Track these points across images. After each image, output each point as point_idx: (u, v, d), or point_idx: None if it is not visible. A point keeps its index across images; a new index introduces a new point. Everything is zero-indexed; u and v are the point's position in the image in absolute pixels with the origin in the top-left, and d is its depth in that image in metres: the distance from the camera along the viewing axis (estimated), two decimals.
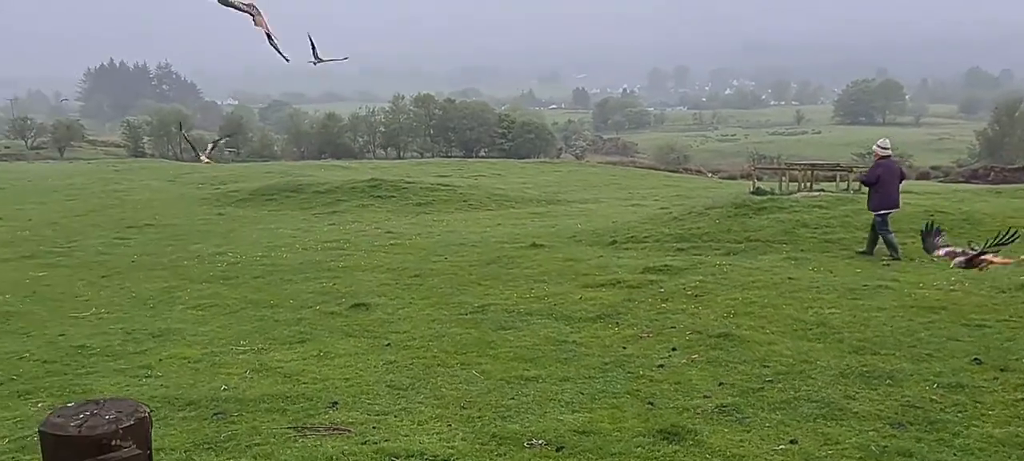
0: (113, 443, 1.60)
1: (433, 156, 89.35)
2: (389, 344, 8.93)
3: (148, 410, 1.77)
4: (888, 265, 12.63)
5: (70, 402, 7.14)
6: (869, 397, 6.80)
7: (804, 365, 7.68)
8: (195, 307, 11.21)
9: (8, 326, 10.30)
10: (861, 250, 13.65)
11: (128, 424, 1.63)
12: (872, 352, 8.02)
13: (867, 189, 13.95)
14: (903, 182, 13.94)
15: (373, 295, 11.49)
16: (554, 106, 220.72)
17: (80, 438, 1.59)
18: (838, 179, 27.25)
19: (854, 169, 29.42)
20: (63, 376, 8.05)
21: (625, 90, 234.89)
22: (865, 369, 7.49)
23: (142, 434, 1.65)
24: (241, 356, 8.59)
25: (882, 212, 13.38)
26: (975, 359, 7.65)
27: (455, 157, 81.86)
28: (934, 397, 6.73)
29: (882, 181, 13.48)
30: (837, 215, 15.63)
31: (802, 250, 13.89)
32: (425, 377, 7.68)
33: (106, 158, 76.28)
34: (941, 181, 46.09)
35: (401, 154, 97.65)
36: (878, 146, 14.13)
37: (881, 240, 13.52)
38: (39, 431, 1.70)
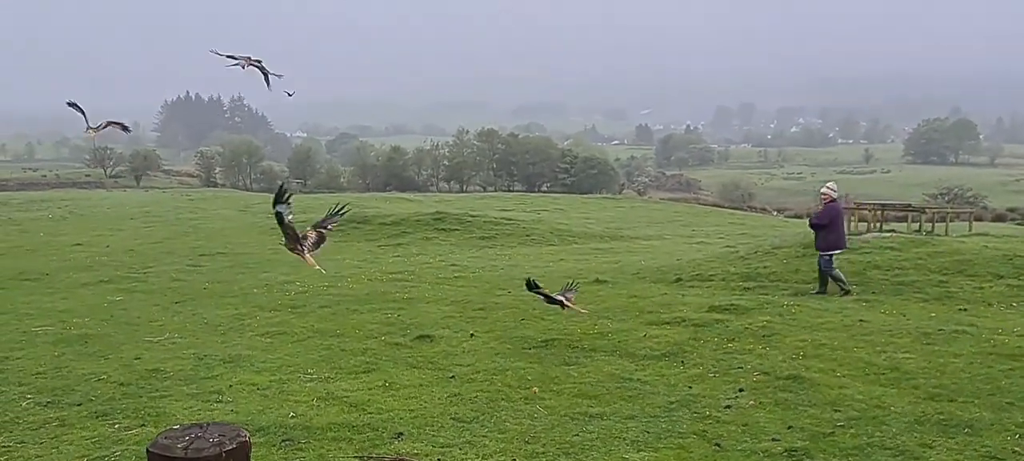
0: None
1: (496, 190, 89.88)
2: (453, 376, 8.97)
3: (248, 435, 1.83)
4: (966, 310, 12.23)
5: (145, 424, 7.36)
6: (946, 446, 6.58)
7: (877, 410, 7.48)
8: (264, 334, 11.43)
9: (87, 348, 10.64)
10: (817, 290, 13.88)
11: (231, 447, 1.69)
12: (949, 399, 7.77)
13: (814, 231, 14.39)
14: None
15: (437, 327, 11.57)
16: (617, 142, 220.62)
17: (186, 460, 1.66)
18: (909, 220, 26.58)
19: (926, 210, 28.66)
20: (138, 398, 8.27)
21: (689, 127, 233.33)
22: (942, 417, 7.25)
23: (243, 457, 1.71)
24: (308, 384, 8.72)
25: (831, 253, 13.86)
26: None
27: (517, 191, 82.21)
28: (1016, 448, 6.48)
29: (832, 223, 13.96)
30: (909, 257, 15.23)
31: (873, 292, 13.56)
32: (489, 411, 7.69)
33: (180, 187, 78.64)
34: (1019, 224, 44.55)
35: (464, 187, 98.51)
36: (826, 189, 14.59)
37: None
38: (147, 451, 1.78)
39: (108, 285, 16.14)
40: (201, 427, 1.85)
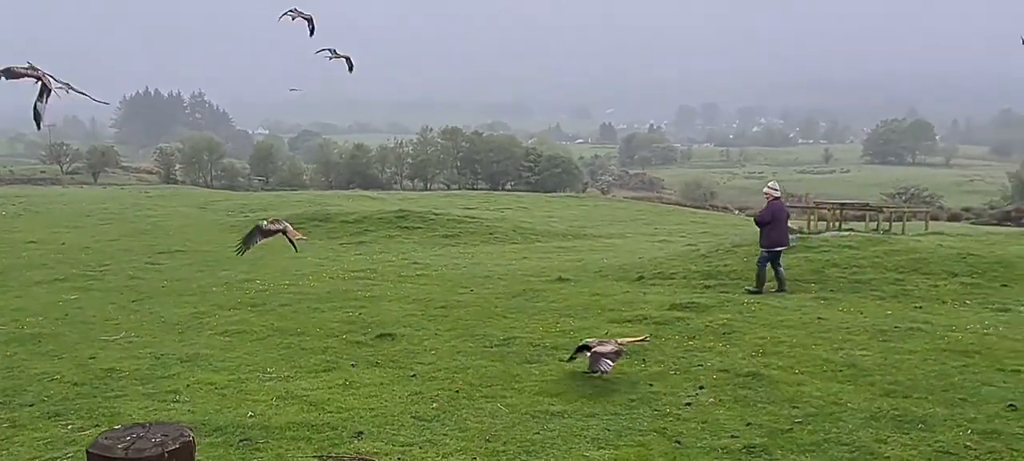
0: None
1: (460, 188, 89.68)
2: (414, 375, 8.93)
3: (192, 434, 1.79)
4: (921, 307, 12.45)
5: (99, 425, 7.22)
6: (901, 442, 6.69)
7: (834, 407, 7.58)
8: (223, 333, 11.29)
9: (40, 348, 10.43)
10: (776, 289, 14.04)
11: (173, 447, 1.65)
12: (904, 395, 7.90)
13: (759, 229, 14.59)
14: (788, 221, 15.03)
15: (399, 325, 11.51)
16: (581, 141, 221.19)
17: (127, 460, 1.61)
18: (867, 219, 27.02)
19: (884, 209, 29.17)
20: (92, 399, 8.12)
21: (652, 126, 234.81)
22: (897, 413, 7.37)
23: (186, 457, 1.67)
24: (267, 383, 8.63)
25: (775, 249, 14.11)
26: (1010, 405, 7.51)
27: (481, 190, 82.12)
28: (969, 443, 6.61)
29: (774, 221, 14.20)
30: (867, 255, 15.48)
31: (831, 290, 13.76)
32: (450, 409, 7.67)
33: (139, 184, 77.39)
34: (973, 223, 45.53)
35: (428, 186, 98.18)
36: (769, 188, 14.90)
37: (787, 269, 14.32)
38: (87, 452, 1.73)
39: (63, 283, 15.83)
40: (144, 427, 1.80)
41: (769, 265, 14.18)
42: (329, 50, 8.45)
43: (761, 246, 14.35)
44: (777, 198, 14.56)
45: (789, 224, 24.79)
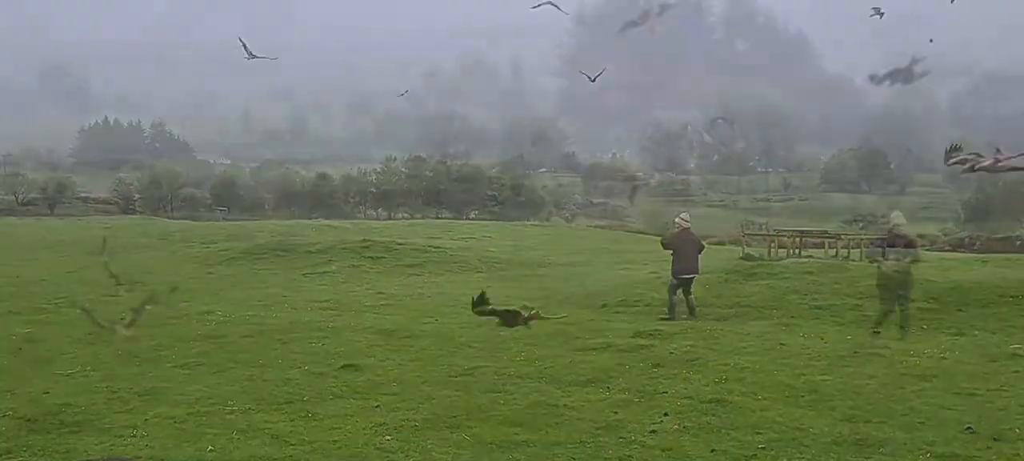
0: None
1: (424, 217, 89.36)
2: (378, 406, 8.84)
3: None
4: (879, 333, 12.63)
5: None
6: None
7: (796, 433, 7.64)
8: (182, 366, 11.08)
9: None
10: (685, 315, 14.40)
11: None
12: (864, 420, 7.99)
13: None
14: (702, 252, 15.13)
15: (363, 356, 11.40)
16: (544, 169, 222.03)
17: None
18: (826, 246, 27.41)
19: (841, 236, 29.65)
20: (46, 435, 7.92)
21: (615, 154, 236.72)
22: (858, 438, 7.45)
23: None
24: (228, 417, 8.48)
25: (682, 277, 14.49)
26: (968, 428, 7.62)
27: (445, 218, 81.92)
28: None
29: (680, 250, 14.60)
30: (826, 282, 15.69)
31: (793, 317, 13.91)
32: (414, 440, 7.60)
33: (97, 215, 76.09)
34: (928, 249, 46.37)
35: (392, 215, 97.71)
36: (680, 219, 15.43)
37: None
38: None
39: (17, 317, 15.45)
40: None
41: (681, 291, 14.53)
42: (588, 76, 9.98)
43: (672, 274, 14.70)
44: (685, 229, 14.97)
45: (750, 251, 25.10)
